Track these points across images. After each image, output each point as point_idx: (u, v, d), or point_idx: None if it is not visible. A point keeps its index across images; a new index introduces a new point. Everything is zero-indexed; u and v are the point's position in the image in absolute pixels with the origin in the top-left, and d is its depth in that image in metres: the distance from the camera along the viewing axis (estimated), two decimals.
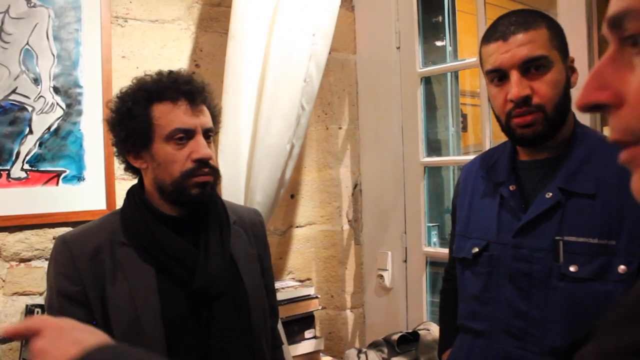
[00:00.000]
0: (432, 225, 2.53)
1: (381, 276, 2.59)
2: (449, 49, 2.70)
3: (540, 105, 1.24)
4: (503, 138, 1.42)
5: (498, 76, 1.29)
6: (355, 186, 2.73)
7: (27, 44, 1.91)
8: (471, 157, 1.61)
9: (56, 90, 1.96)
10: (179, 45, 2.26)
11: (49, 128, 1.95)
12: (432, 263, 2.48)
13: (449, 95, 2.72)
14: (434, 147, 2.67)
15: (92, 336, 0.66)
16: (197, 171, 1.35)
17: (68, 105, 1.99)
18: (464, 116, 3.27)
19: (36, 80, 1.93)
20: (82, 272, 1.32)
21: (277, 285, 2.32)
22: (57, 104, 1.97)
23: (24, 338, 0.70)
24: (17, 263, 1.90)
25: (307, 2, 2.07)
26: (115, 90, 1.47)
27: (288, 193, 2.55)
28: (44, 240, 1.94)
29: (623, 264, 1.16)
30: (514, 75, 1.25)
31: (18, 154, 1.89)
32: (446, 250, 1.65)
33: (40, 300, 1.91)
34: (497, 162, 1.42)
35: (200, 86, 1.40)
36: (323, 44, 2.14)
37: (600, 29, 1.90)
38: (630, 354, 0.41)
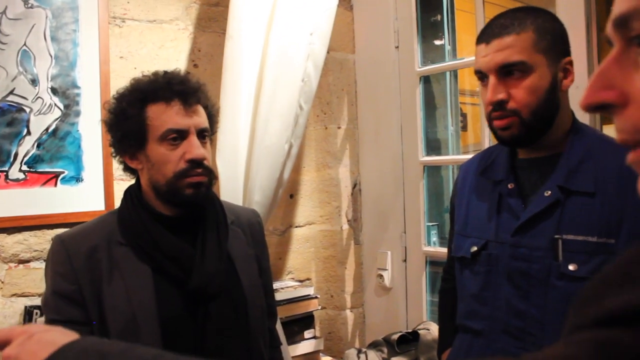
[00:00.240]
0: (432, 225, 2.52)
1: (381, 276, 2.58)
2: (447, 47, 2.70)
3: (516, 110, 1.25)
4: None
5: (481, 78, 1.31)
6: (354, 186, 2.73)
7: (25, 44, 1.91)
8: (470, 156, 1.61)
9: (54, 91, 1.96)
10: (177, 46, 2.26)
11: (47, 129, 1.95)
12: (432, 262, 2.47)
13: (448, 95, 2.71)
14: (434, 146, 2.67)
15: (64, 336, 0.66)
16: (190, 171, 1.35)
17: (66, 106, 1.98)
18: (464, 115, 3.27)
19: (34, 81, 1.92)
20: (79, 271, 1.33)
21: (277, 285, 2.32)
22: (55, 104, 1.96)
23: None
24: (16, 264, 1.90)
25: (304, 1, 2.07)
26: (113, 90, 1.47)
27: (287, 193, 2.55)
28: (43, 241, 1.94)
29: None
30: (491, 79, 1.27)
31: (16, 155, 1.89)
32: (446, 250, 1.64)
33: (39, 301, 1.91)
34: (496, 160, 1.41)
35: (194, 86, 1.39)
36: (321, 43, 2.13)
37: (599, 28, 1.90)
38: (608, 322, 0.42)
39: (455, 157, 2.58)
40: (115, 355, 0.63)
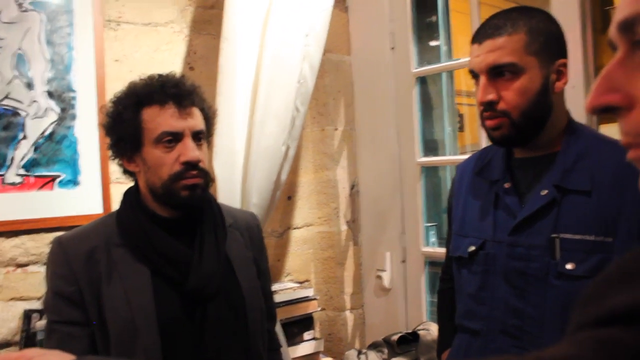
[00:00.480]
0: (430, 225, 2.52)
1: (380, 277, 2.58)
2: (443, 48, 2.70)
3: (505, 112, 1.26)
4: None
5: (474, 77, 1.32)
6: (352, 187, 2.73)
7: (20, 48, 1.91)
8: (467, 156, 1.61)
9: (50, 94, 1.96)
10: (172, 48, 2.25)
11: (43, 133, 1.94)
12: (431, 263, 2.47)
13: (444, 95, 2.71)
14: (431, 147, 2.67)
15: (61, 358, 0.66)
16: (185, 174, 1.35)
17: (62, 110, 1.98)
18: (461, 116, 3.27)
19: (29, 85, 1.92)
20: (78, 272, 1.34)
21: (276, 287, 2.32)
22: (51, 108, 1.96)
23: None
24: (14, 268, 1.90)
25: (299, 3, 2.07)
26: (109, 94, 1.48)
27: (285, 195, 2.55)
28: (40, 245, 1.94)
29: None
30: (482, 80, 1.27)
31: (12, 159, 1.89)
32: (444, 250, 1.64)
33: (38, 305, 1.90)
34: (492, 160, 1.41)
35: (189, 89, 1.40)
36: (316, 44, 2.13)
37: (594, 27, 1.90)
38: (609, 321, 0.42)
39: (452, 157, 2.58)
40: None
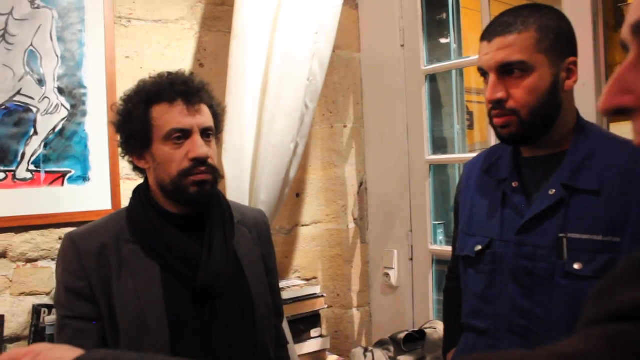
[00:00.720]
0: (438, 224, 2.52)
1: (387, 274, 2.58)
2: (453, 46, 2.69)
3: (514, 110, 1.25)
4: None
5: (483, 75, 1.31)
6: (360, 184, 2.73)
7: (31, 45, 1.92)
8: (476, 154, 1.61)
9: (60, 91, 1.97)
10: (182, 45, 2.26)
11: (53, 129, 1.96)
12: (438, 261, 2.47)
13: (454, 93, 2.70)
14: (440, 145, 2.66)
15: (71, 352, 0.67)
16: (194, 170, 1.37)
17: (72, 106, 1.99)
18: (470, 114, 3.26)
19: (40, 82, 1.94)
20: (89, 268, 1.35)
21: (283, 284, 2.32)
22: (62, 104, 1.97)
23: None
24: (24, 263, 1.91)
25: (309, 0, 2.07)
26: (119, 90, 1.49)
27: (293, 192, 2.55)
28: (50, 240, 1.95)
29: None
30: (491, 78, 1.27)
31: (23, 155, 1.90)
32: (452, 249, 1.64)
33: (47, 300, 1.92)
34: (500, 159, 1.41)
35: (197, 86, 1.41)
36: (326, 42, 2.13)
37: (606, 25, 1.89)
38: (619, 317, 0.43)
39: (461, 155, 2.57)
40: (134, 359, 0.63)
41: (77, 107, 2.00)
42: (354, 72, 2.72)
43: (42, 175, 1.94)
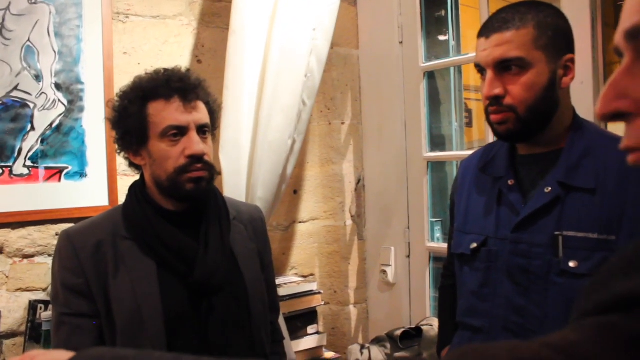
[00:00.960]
0: (436, 221, 2.52)
1: (384, 272, 2.58)
2: (452, 43, 2.68)
3: (512, 106, 1.25)
4: None
5: (480, 71, 1.31)
6: (358, 181, 2.73)
7: (29, 40, 1.92)
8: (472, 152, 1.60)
9: (58, 86, 1.97)
10: (180, 41, 2.26)
11: (50, 124, 1.95)
12: (436, 258, 2.47)
13: (452, 90, 2.70)
14: (438, 142, 2.66)
15: (66, 355, 0.67)
16: (191, 167, 1.37)
17: (70, 102, 1.99)
18: (469, 111, 3.26)
19: (38, 77, 1.93)
20: (85, 265, 1.35)
21: (280, 280, 2.32)
22: (59, 100, 1.97)
23: None
24: (20, 259, 1.91)
25: None
26: (117, 86, 1.49)
27: (291, 189, 2.55)
28: (47, 236, 1.95)
29: None
30: (489, 74, 1.27)
31: (20, 150, 1.90)
32: None
33: (43, 296, 1.92)
34: (496, 156, 1.41)
35: (194, 83, 1.41)
36: (324, 38, 2.13)
37: (604, 23, 1.89)
38: (609, 308, 0.45)
39: (459, 152, 2.57)
40: (131, 357, 0.63)
41: (74, 102, 2.00)
42: (353, 69, 2.72)
43: (39, 171, 1.93)
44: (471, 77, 2.94)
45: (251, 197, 2.05)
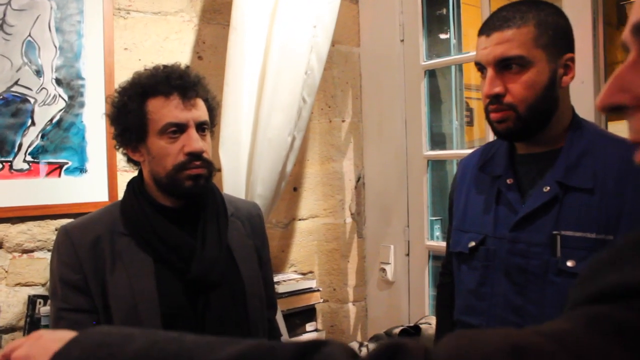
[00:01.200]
0: (435, 219, 2.52)
1: (383, 270, 2.58)
2: (453, 41, 2.68)
3: (512, 105, 1.25)
4: None
5: (480, 69, 1.31)
6: (358, 179, 2.73)
7: (29, 35, 1.92)
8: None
9: (58, 82, 1.97)
10: (181, 38, 2.26)
11: (51, 120, 1.96)
12: (435, 257, 2.47)
13: (453, 89, 2.70)
14: (438, 140, 2.66)
15: (71, 333, 0.67)
16: (189, 164, 1.37)
17: (70, 97, 1.99)
18: (470, 110, 3.25)
19: (38, 72, 1.93)
20: (83, 260, 1.36)
21: (279, 277, 2.33)
22: (60, 95, 1.97)
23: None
24: (20, 254, 1.92)
25: None
26: (118, 82, 1.49)
27: (291, 186, 2.55)
28: (47, 231, 1.95)
29: None
30: (489, 72, 1.26)
31: (20, 145, 1.90)
32: None
33: (42, 291, 1.93)
34: (495, 155, 1.41)
35: (193, 80, 1.41)
36: (324, 36, 2.13)
37: (605, 22, 1.89)
38: (599, 299, 0.47)
39: (459, 151, 2.56)
40: (138, 334, 0.63)
41: (74, 98, 2.00)
42: (353, 67, 2.72)
43: (40, 166, 1.94)
44: (472, 75, 2.93)
45: (251, 194, 2.05)
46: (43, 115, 1.94)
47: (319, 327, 2.41)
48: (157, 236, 1.38)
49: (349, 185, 2.71)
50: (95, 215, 1.45)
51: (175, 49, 2.24)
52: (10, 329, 1.88)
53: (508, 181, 1.33)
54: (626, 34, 0.54)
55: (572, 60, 1.28)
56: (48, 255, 1.92)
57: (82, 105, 2.01)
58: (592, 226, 1.19)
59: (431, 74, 2.56)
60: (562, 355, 0.44)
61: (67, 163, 1.99)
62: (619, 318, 0.44)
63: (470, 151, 1.58)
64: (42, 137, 1.94)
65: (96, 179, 2.04)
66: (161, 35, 2.21)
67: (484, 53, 1.27)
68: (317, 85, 2.16)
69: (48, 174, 1.95)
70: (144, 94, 1.38)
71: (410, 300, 2.52)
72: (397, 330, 2.20)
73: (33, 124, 1.92)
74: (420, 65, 2.45)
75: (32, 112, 1.92)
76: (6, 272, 1.89)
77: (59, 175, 1.97)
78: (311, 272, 2.62)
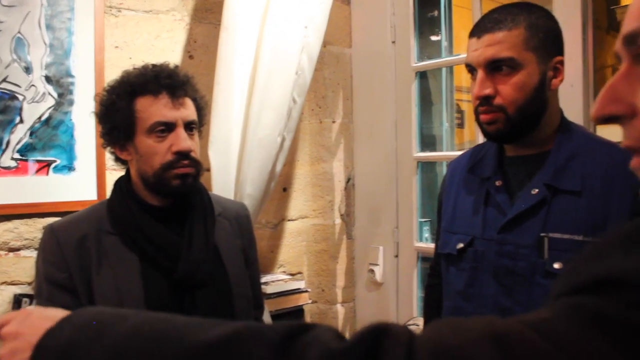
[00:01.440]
0: (424, 221, 2.52)
1: (372, 271, 2.58)
2: (444, 43, 2.69)
3: (502, 106, 1.25)
4: None
5: (471, 71, 1.31)
6: (348, 180, 2.73)
7: (19, 32, 1.90)
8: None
9: (48, 79, 1.96)
10: (172, 36, 2.25)
11: (39, 117, 1.94)
12: (424, 258, 2.47)
13: (443, 91, 2.71)
14: (428, 142, 2.67)
15: (62, 312, 0.67)
16: (177, 163, 1.37)
17: (60, 95, 1.98)
18: (461, 112, 3.27)
19: (27, 69, 1.92)
20: (69, 259, 1.36)
21: (268, 278, 2.32)
22: (49, 93, 1.96)
23: None
24: (6, 252, 1.90)
25: None
26: (108, 80, 1.49)
27: (280, 186, 2.55)
28: (33, 230, 1.94)
29: None
30: (480, 74, 1.27)
31: (8, 143, 1.89)
32: None
33: (29, 289, 1.91)
34: (484, 157, 1.41)
35: (182, 79, 1.42)
36: (315, 36, 2.13)
37: (595, 26, 1.90)
38: (579, 290, 0.49)
39: (449, 153, 2.57)
40: (130, 315, 0.63)
41: (64, 96, 1.99)
42: (345, 68, 2.72)
43: (28, 164, 1.92)
44: (463, 78, 2.94)
45: (240, 193, 2.04)
46: (32, 112, 1.93)
47: None
48: (143, 235, 1.38)
49: (339, 186, 2.71)
50: (82, 214, 1.45)
51: (166, 47, 2.23)
52: None
53: (497, 183, 1.33)
54: (618, 44, 0.56)
55: (562, 63, 1.29)
56: (35, 253, 1.91)
57: (71, 103, 2.00)
58: (579, 229, 1.19)
59: (422, 75, 2.56)
60: (542, 343, 0.46)
61: (55, 161, 1.97)
62: (597, 308, 0.46)
63: (460, 153, 1.59)
64: (31, 134, 1.92)
65: (85, 178, 2.02)
66: (152, 33, 2.20)
67: (475, 54, 1.28)
68: (307, 86, 2.16)
69: (36, 172, 1.94)
70: (133, 93, 1.38)
71: (399, 302, 2.52)
72: None
73: (21, 121, 1.91)
74: (411, 66, 2.45)
75: (21, 109, 1.91)
76: None
77: (47, 173, 1.96)
78: (300, 272, 2.62)
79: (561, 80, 1.29)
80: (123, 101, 1.37)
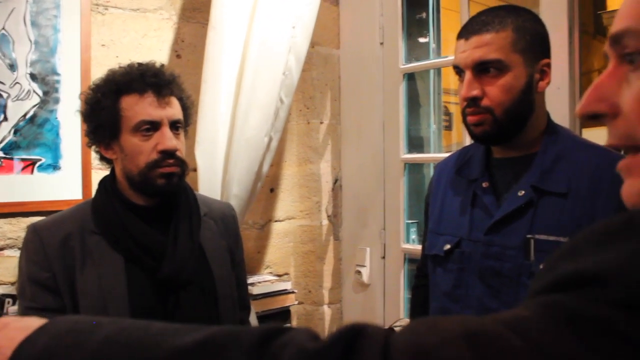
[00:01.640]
0: (411, 222, 2.53)
1: (359, 272, 2.58)
2: (432, 45, 2.70)
3: (489, 108, 1.26)
4: None
5: (458, 73, 1.32)
6: (335, 181, 2.72)
7: (4, 28, 1.88)
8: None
9: (33, 77, 1.94)
10: (160, 35, 2.24)
11: (24, 115, 1.92)
12: (411, 260, 2.48)
13: (431, 93, 2.72)
14: (416, 144, 2.67)
15: (38, 321, 0.66)
16: (162, 162, 1.37)
17: (45, 93, 1.96)
18: (449, 114, 3.28)
19: (12, 66, 1.90)
20: (52, 259, 1.35)
21: (254, 279, 2.31)
22: (34, 91, 1.94)
23: None
24: None
25: None
26: (94, 78, 1.48)
27: (268, 187, 2.54)
28: (17, 229, 1.92)
29: None
30: (467, 75, 1.27)
31: None
32: None
33: (12, 290, 1.89)
34: (471, 159, 1.42)
35: (168, 78, 1.41)
36: (303, 36, 2.13)
37: (581, 29, 1.91)
38: (554, 288, 0.50)
39: (436, 155, 2.58)
40: (107, 322, 0.63)
41: (49, 94, 1.97)
42: (333, 69, 2.72)
43: (13, 162, 1.90)
44: (451, 80, 2.96)
45: (226, 194, 2.03)
46: (16, 110, 1.91)
47: None
48: (128, 235, 1.37)
49: (326, 187, 2.71)
50: (65, 214, 1.44)
51: (153, 46, 2.21)
52: None
53: (484, 184, 1.34)
54: (606, 45, 0.58)
55: (549, 65, 1.29)
56: (18, 253, 1.88)
57: (56, 101, 1.98)
58: (565, 230, 1.20)
59: (410, 77, 2.57)
60: (515, 341, 0.46)
61: (40, 160, 1.95)
62: (570, 306, 0.47)
63: (447, 155, 1.59)
64: (15, 132, 1.90)
65: (70, 177, 2.00)
66: (139, 32, 2.19)
67: (463, 56, 1.28)
68: (294, 86, 2.16)
69: (20, 170, 1.91)
70: (118, 91, 1.37)
71: (386, 303, 2.52)
72: None
73: (5, 119, 1.89)
74: (399, 68, 2.45)
75: (5, 107, 1.89)
76: None
77: (32, 172, 1.94)
78: (287, 273, 2.61)
79: (548, 83, 1.29)
80: (108, 100, 1.36)
